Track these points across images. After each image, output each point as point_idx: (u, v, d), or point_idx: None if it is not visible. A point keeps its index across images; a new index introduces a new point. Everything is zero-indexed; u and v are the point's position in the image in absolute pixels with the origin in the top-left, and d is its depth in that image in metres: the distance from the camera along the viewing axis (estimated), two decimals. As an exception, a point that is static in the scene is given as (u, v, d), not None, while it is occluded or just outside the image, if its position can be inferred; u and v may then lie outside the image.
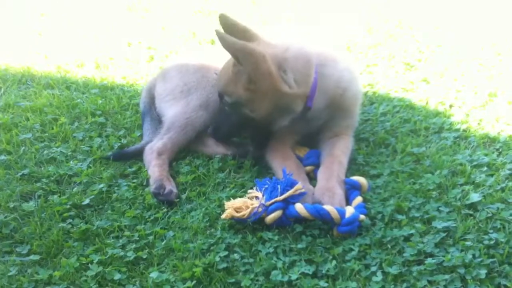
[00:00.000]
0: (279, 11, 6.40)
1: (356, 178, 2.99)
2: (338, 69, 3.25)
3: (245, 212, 2.73)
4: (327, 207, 2.68)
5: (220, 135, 3.35)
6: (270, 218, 2.71)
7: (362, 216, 2.69)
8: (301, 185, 2.82)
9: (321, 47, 3.31)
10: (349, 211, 2.67)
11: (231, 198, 2.90)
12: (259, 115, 3.09)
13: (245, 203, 2.77)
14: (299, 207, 2.71)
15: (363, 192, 2.95)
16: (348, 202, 2.88)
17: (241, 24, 3.09)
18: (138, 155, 3.43)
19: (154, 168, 3.24)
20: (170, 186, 3.10)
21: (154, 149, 3.36)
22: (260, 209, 2.73)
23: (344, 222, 2.63)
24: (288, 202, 2.75)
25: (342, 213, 2.65)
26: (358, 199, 2.85)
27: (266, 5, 6.68)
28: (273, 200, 2.74)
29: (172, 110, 3.57)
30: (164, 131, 3.47)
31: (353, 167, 3.26)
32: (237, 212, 2.74)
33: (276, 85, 2.98)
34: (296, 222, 2.74)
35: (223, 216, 2.77)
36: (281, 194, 2.75)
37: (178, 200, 3.03)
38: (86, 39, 5.72)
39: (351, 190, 2.94)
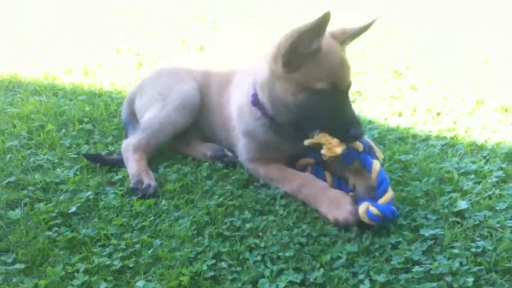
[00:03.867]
0: (265, 20, 6.41)
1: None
2: None
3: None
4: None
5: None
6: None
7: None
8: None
9: None
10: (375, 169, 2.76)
11: (219, 207, 2.90)
12: None
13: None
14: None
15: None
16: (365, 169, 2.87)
17: None
18: (116, 164, 3.46)
19: (132, 163, 3.30)
20: (148, 180, 3.16)
21: (130, 145, 3.42)
22: None
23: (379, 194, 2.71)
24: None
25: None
26: (388, 195, 2.75)
27: (255, 13, 6.69)
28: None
29: (147, 115, 3.61)
30: (140, 131, 3.53)
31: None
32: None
33: None
34: (288, 229, 2.74)
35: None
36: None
37: (158, 199, 3.06)
38: (74, 46, 5.70)
39: (355, 154, 2.87)
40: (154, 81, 3.78)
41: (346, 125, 2.79)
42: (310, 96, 2.84)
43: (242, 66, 3.51)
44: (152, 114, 3.57)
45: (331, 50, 2.88)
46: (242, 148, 3.31)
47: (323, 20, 2.68)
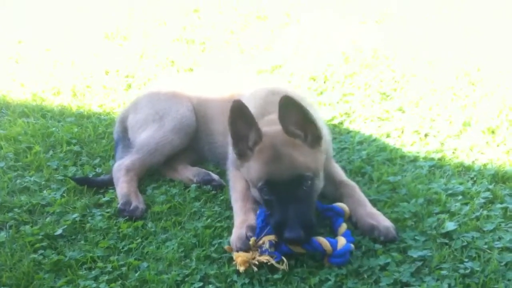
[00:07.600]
0: (256, 43, 6.43)
1: (339, 204, 2.95)
2: None
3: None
4: (319, 239, 2.65)
5: (310, 227, 2.66)
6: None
7: (351, 246, 2.68)
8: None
9: None
10: (341, 242, 2.65)
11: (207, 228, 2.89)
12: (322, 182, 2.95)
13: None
14: None
15: (345, 218, 2.92)
16: (333, 229, 2.84)
17: None
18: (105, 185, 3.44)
19: (122, 184, 3.28)
20: (136, 202, 3.15)
21: (123, 167, 3.39)
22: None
23: (336, 254, 2.61)
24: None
25: (334, 244, 2.63)
26: (344, 227, 2.83)
27: (244, 36, 6.73)
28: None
29: (144, 134, 3.60)
30: (134, 152, 3.51)
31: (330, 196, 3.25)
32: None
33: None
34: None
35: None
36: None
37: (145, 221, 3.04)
38: (64, 67, 5.69)
39: (335, 217, 2.90)
40: (151, 99, 3.78)
41: (281, 227, 2.62)
42: (258, 192, 2.84)
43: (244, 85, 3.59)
44: (148, 133, 3.57)
45: (268, 144, 2.79)
46: (232, 154, 3.27)
47: (233, 109, 2.74)
